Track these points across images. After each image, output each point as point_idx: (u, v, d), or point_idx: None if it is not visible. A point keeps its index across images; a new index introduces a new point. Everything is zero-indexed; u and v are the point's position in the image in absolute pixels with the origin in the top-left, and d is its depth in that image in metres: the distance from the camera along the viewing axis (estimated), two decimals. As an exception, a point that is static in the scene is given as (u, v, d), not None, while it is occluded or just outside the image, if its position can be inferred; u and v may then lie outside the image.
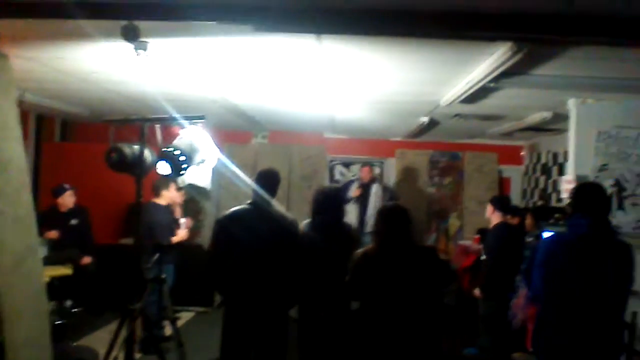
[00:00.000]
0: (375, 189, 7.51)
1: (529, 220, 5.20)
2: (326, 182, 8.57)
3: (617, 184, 4.57)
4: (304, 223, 3.85)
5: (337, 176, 9.03)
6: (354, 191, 7.49)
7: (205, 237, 6.72)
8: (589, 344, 2.84)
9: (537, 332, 2.99)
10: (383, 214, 3.29)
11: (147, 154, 3.33)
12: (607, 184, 4.48)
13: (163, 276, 4.03)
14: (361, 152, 8.93)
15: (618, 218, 4.50)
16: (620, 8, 2.48)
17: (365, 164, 7.96)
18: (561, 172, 6.66)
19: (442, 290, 3.39)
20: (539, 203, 7.61)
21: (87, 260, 6.03)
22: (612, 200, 4.54)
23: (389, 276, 3.09)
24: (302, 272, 3.59)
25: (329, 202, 3.86)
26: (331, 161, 8.97)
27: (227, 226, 3.51)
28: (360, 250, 3.27)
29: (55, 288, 5.40)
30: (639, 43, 2.94)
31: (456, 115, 5.89)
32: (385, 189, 7.76)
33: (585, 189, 3.05)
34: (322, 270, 3.66)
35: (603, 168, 4.57)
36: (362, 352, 3.18)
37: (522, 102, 4.98)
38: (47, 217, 5.86)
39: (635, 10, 2.49)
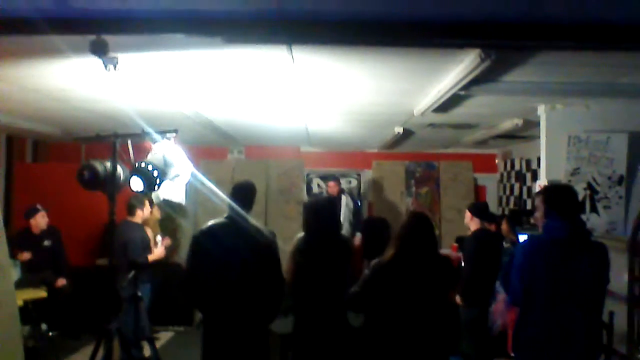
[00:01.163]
0: (345, 200, 7.57)
1: (504, 226, 5.25)
2: (304, 196, 8.56)
3: (589, 187, 4.64)
4: (297, 237, 3.72)
5: (315, 189, 9.04)
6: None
7: (183, 255, 6.64)
8: (569, 344, 2.86)
9: (517, 335, 3.00)
10: (408, 223, 3.20)
11: (120, 171, 3.30)
12: (580, 187, 4.56)
13: (139, 294, 3.96)
14: (338, 164, 8.96)
15: (592, 220, 4.56)
16: (585, 14, 2.54)
17: (330, 178, 8.04)
18: (535, 178, 6.76)
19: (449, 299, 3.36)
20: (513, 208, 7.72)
21: (61, 282, 5.92)
22: (585, 203, 4.62)
23: (410, 285, 3.05)
24: (280, 284, 3.55)
25: (324, 214, 3.73)
26: (308, 175, 8.97)
27: (203, 241, 3.46)
28: (377, 262, 3.18)
29: (30, 311, 5.29)
30: (603, 48, 3.02)
31: (430, 124, 5.95)
32: (353, 199, 7.86)
33: (557, 191, 3.09)
34: (319, 285, 3.56)
35: (575, 172, 4.64)
36: None
37: (493, 109, 5.05)
38: (20, 238, 5.76)
39: (600, 16, 2.54)
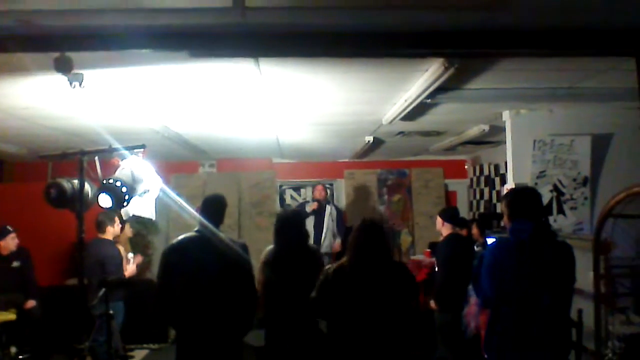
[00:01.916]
0: (329, 209, 7.56)
1: (474, 230, 5.33)
2: (277, 208, 8.56)
3: (556, 189, 4.74)
4: (267, 249, 3.76)
5: (288, 200, 9.04)
6: (310, 206, 7.51)
7: (155, 271, 6.57)
8: (539, 343, 2.91)
9: (489, 336, 3.05)
10: (359, 229, 3.26)
11: (88, 188, 3.27)
12: (546, 189, 4.65)
13: (110, 312, 3.90)
14: (311, 175, 8.97)
15: (559, 221, 4.66)
16: (543, 21, 2.62)
17: (317, 184, 8.01)
18: (503, 182, 6.88)
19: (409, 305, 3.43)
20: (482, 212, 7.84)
21: (31, 304, 5.77)
22: (552, 204, 4.72)
23: (363, 291, 3.08)
24: (253, 296, 3.54)
25: (292, 225, 3.78)
26: (281, 186, 8.97)
27: (173, 256, 3.44)
28: (330, 266, 3.23)
29: (-1, 335, 5.16)
30: (562, 54, 3.11)
31: (399, 133, 6.03)
32: (337, 209, 7.84)
33: (520, 194, 3.15)
34: (289, 296, 3.57)
35: (541, 175, 4.74)
36: None
37: (460, 116, 5.14)
38: (-13, 260, 5.60)
39: (557, 23, 2.63)
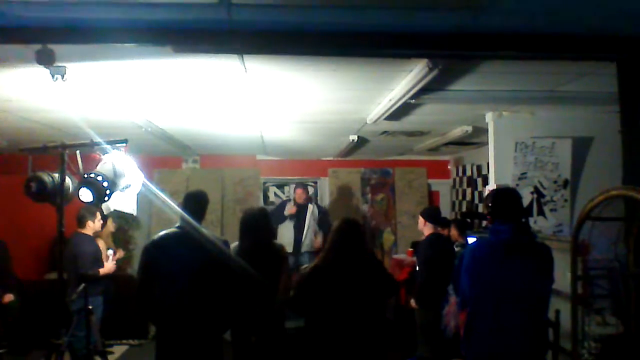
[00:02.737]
0: (311, 208, 7.53)
1: (453, 231, 5.37)
2: (260, 204, 8.53)
3: (536, 191, 4.79)
4: (232, 246, 3.80)
5: (272, 198, 9.02)
6: (289, 209, 7.47)
7: (136, 267, 6.55)
8: (516, 343, 2.95)
9: (467, 335, 3.08)
10: (338, 228, 3.33)
11: (68, 182, 3.23)
12: (527, 191, 4.70)
13: (89, 307, 3.87)
14: (295, 173, 8.97)
15: (539, 223, 4.72)
16: (526, 25, 2.65)
17: (299, 185, 7.91)
18: (485, 183, 6.94)
19: (385, 303, 3.51)
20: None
21: (8, 297, 5.68)
22: (533, 206, 4.77)
23: (341, 288, 3.13)
24: (233, 293, 3.54)
25: (256, 223, 3.83)
26: (265, 183, 8.95)
27: (154, 252, 3.43)
28: (307, 266, 3.31)
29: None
30: (544, 57, 3.15)
31: (384, 132, 6.05)
32: (319, 208, 7.81)
33: (501, 195, 3.19)
34: (252, 293, 3.60)
35: (522, 177, 4.78)
36: None
37: (443, 117, 5.18)
38: (-35, 254, 5.51)
39: (540, 27, 2.67)
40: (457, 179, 8.51)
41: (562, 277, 3.65)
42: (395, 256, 8.11)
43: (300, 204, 7.47)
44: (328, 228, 7.63)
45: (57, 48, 2.84)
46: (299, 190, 7.59)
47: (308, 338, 3.23)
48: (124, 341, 6.53)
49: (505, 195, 3.15)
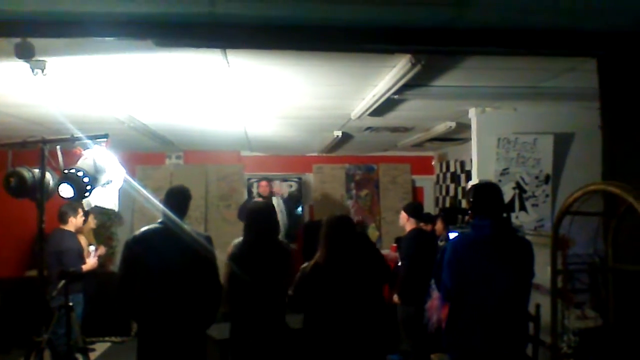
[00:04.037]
0: (276, 201, 7.58)
1: (438, 225, 5.40)
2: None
3: (518, 186, 4.84)
4: (234, 242, 3.66)
5: (256, 194, 9.00)
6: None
7: (118, 263, 6.51)
8: (497, 337, 2.98)
9: (449, 330, 3.11)
10: (331, 225, 3.36)
11: (49, 177, 3.20)
12: (509, 186, 4.74)
13: (70, 304, 3.83)
14: (278, 169, 8.96)
15: (521, 218, 4.76)
16: (509, 21, 2.67)
17: (263, 178, 8.08)
18: (469, 179, 6.98)
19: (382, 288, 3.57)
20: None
21: (-12, 295, 5.64)
22: (514, 201, 4.81)
23: (340, 284, 3.17)
24: (216, 289, 3.52)
25: (263, 217, 3.67)
26: (249, 179, 8.93)
27: (135, 248, 3.38)
28: (307, 264, 3.32)
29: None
30: (526, 53, 3.17)
31: (368, 128, 6.06)
32: (284, 200, 7.90)
33: (482, 191, 3.21)
34: (255, 290, 3.51)
35: (504, 172, 4.82)
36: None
37: (427, 113, 5.20)
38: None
39: (522, 23, 2.69)
40: (441, 174, 8.56)
41: (543, 271, 3.69)
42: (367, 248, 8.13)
43: (264, 197, 7.56)
44: (297, 223, 7.72)
45: (37, 42, 2.80)
46: (263, 183, 7.79)
47: (310, 334, 3.23)
48: (107, 338, 6.49)
49: (486, 191, 3.17)
